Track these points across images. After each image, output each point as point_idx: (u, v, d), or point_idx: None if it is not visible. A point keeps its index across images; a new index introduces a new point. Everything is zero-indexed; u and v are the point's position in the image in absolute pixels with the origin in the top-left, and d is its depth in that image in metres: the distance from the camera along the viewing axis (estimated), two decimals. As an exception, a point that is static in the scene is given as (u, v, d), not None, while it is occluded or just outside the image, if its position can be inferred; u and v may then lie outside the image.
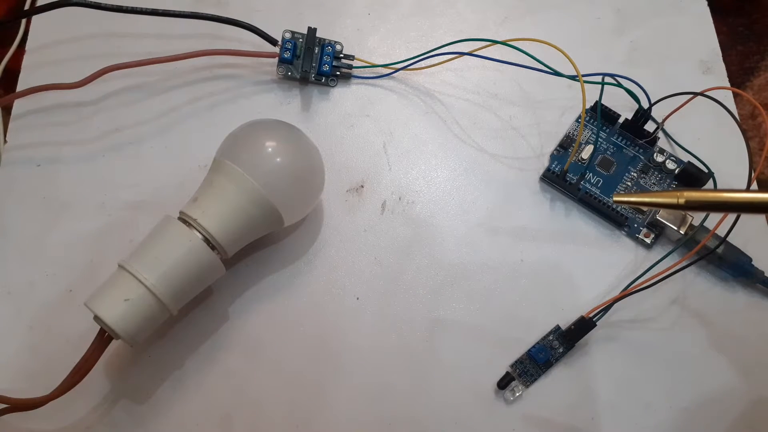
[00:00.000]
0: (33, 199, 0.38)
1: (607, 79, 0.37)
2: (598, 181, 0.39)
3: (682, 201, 0.24)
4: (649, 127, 0.39)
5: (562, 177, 0.39)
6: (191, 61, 0.39)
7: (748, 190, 0.24)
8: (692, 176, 0.38)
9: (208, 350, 0.35)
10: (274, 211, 0.32)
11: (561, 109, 0.41)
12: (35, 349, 0.35)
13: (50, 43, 0.41)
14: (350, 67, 0.41)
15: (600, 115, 0.39)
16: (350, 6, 0.43)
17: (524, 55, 0.38)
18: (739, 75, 0.43)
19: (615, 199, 0.26)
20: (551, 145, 0.40)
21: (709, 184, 0.38)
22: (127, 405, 0.34)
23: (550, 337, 0.35)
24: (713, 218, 0.35)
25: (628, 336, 0.36)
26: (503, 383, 0.35)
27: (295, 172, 0.33)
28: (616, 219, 0.38)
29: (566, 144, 0.40)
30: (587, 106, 0.37)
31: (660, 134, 0.39)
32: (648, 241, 0.38)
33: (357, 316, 0.36)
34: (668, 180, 0.39)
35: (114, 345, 0.32)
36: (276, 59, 0.40)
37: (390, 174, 0.39)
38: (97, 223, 0.37)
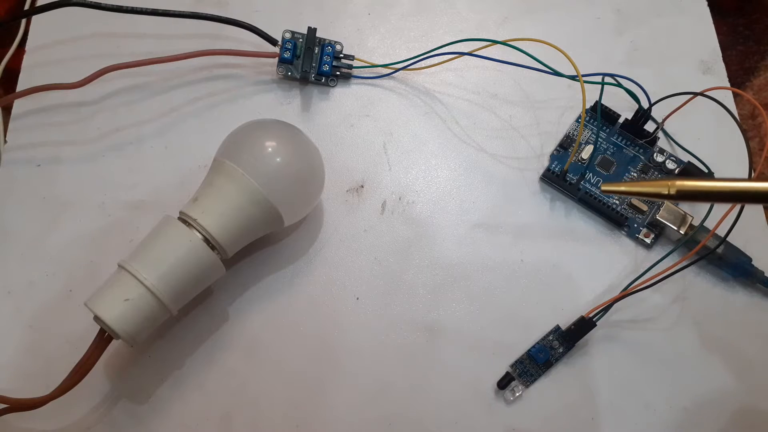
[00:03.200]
0: (33, 199, 0.38)
1: (607, 79, 0.37)
2: (598, 181, 0.39)
3: (673, 191, 0.22)
4: (649, 127, 0.39)
5: (562, 177, 0.39)
6: (191, 61, 0.39)
7: (742, 179, 0.23)
8: (692, 176, 0.38)
9: (208, 350, 0.35)
10: (274, 211, 0.32)
11: (561, 109, 0.41)
12: (35, 349, 0.35)
13: (50, 43, 0.41)
14: (350, 67, 0.41)
15: (600, 115, 0.39)
16: (350, 6, 0.43)
17: (524, 55, 0.38)
18: (739, 75, 0.43)
19: (603, 188, 0.24)
20: (551, 145, 0.40)
21: (709, 184, 0.38)
22: (127, 405, 0.34)
23: (550, 337, 0.35)
24: (713, 218, 0.35)
25: (628, 336, 0.36)
26: (503, 383, 0.35)
27: (295, 172, 0.33)
28: (616, 219, 0.38)
29: (566, 144, 0.40)
30: (587, 106, 0.37)
31: (660, 134, 0.39)
32: (648, 241, 0.38)
33: (357, 316, 0.36)
34: (668, 180, 0.39)
35: (114, 345, 0.32)
36: (276, 59, 0.40)
37: (390, 174, 0.39)
38: (97, 223, 0.37)
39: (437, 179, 0.39)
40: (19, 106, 0.40)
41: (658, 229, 0.38)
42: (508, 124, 0.41)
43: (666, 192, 0.22)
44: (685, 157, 0.39)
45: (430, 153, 0.40)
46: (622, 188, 0.23)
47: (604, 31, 0.44)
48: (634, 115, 0.39)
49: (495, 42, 0.38)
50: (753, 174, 0.35)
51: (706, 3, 0.44)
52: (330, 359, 0.35)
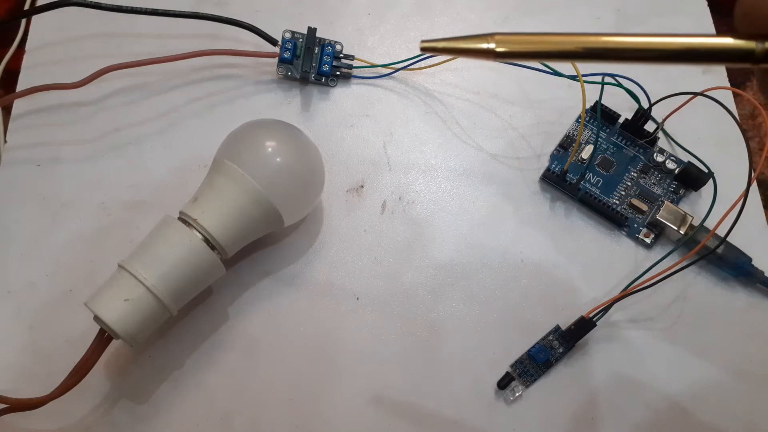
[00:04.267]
0: (33, 199, 0.38)
1: (607, 79, 0.37)
2: (598, 181, 0.39)
3: (492, 46, 0.19)
4: (649, 127, 0.39)
5: (562, 177, 0.39)
6: (191, 61, 0.39)
7: (579, 33, 0.20)
8: (692, 176, 0.38)
9: (208, 350, 0.35)
10: (275, 211, 0.32)
11: (561, 109, 0.41)
12: (35, 349, 0.35)
13: (50, 43, 0.41)
14: (350, 67, 0.41)
15: (600, 115, 0.39)
16: (350, 6, 0.43)
17: (524, 55, 0.38)
18: (739, 75, 0.43)
19: (422, 45, 0.20)
20: (551, 145, 0.40)
21: (709, 185, 0.38)
22: (127, 405, 0.34)
23: (550, 337, 0.35)
24: (713, 218, 0.35)
25: (628, 336, 0.36)
26: (503, 383, 0.35)
27: (295, 172, 0.33)
28: (616, 219, 0.38)
29: (566, 144, 0.40)
30: (587, 106, 0.37)
31: (660, 134, 0.39)
32: (648, 241, 0.38)
33: (357, 316, 0.36)
34: (668, 180, 0.39)
35: (114, 345, 0.32)
36: (276, 59, 0.40)
37: (390, 174, 0.39)
38: (97, 223, 0.37)
39: (437, 179, 0.39)
40: (19, 106, 0.40)
41: (658, 229, 0.38)
42: (508, 124, 0.41)
43: (485, 47, 0.19)
44: (685, 157, 0.39)
45: (430, 153, 0.40)
46: (440, 45, 0.20)
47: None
48: (634, 115, 0.39)
49: (495, 42, 0.38)
50: (753, 174, 0.35)
51: (706, 3, 0.44)
52: (330, 359, 0.35)
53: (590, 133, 0.40)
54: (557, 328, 0.36)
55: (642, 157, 0.39)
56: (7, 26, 0.42)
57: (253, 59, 0.41)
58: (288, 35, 0.40)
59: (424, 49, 0.20)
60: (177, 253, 0.30)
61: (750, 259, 0.37)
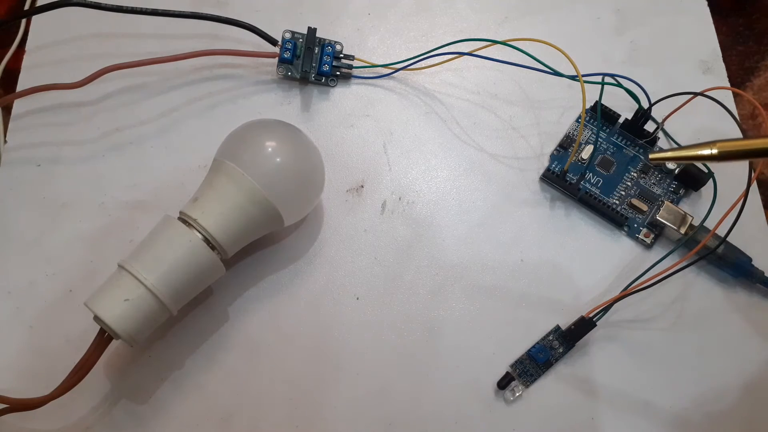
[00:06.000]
0: (33, 199, 0.38)
1: (607, 79, 0.37)
2: (598, 181, 0.39)
3: (714, 151, 0.24)
4: (649, 127, 0.39)
5: (562, 177, 0.39)
6: (191, 61, 0.39)
7: None
8: (692, 176, 0.38)
9: (208, 350, 0.35)
10: (274, 211, 0.32)
11: (561, 109, 0.41)
12: (35, 349, 0.35)
13: (50, 43, 0.41)
14: (350, 67, 0.41)
15: (600, 115, 0.39)
16: (350, 6, 0.43)
17: (524, 55, 0.38)
18: (739, 75, 0.43)
19: (651, 156, 0.26)
20: (551, 145, 0.40)
21: (709, 185, 0.38)
22: (127, 405, 0.34)
23: (550, 337, 0.35)
24: (713, 218, 0.35)
25: (628, 336, 0.36)
26: (503, 383, 0.35)
27: (295, 172, 0.33)
28: (616, 219, 0.38)
29: (566, 144, 0.40)
30: (587, 106, 0.37)
31: (660, 134, 0.39)
32: (648, 241, 0.38)
33: (357, 316, 0.36)
34: (668, 180, 0.39)
35: (114, 345, 0.32)
36: (276, 59, 0.40)
37: (390, 174, 0.39)
38: (97, 223, 0.37)
39: (437, 179, 0.39)
40: (19, 106, 0.40)
41: (658, 229, 0.38)
42: (508, 124, 0.41)
43: (708, 153, 0.24)
44: (685, 157, 0.39)
45: (430, 153, 0.40)
46: (668, 155, 0.25)
47: (604, 31, 0.43)
48: (634, 115, 0.39)
49: (495, 42, 0.38)
50: (753, 174, 0.35)
51: (706, 3, 0.44)
52: (330, 359, 0.35)
53: (590, 133, 0.40)
54: (557, 328, 0.36)
55: (642, 157, 0.39)
56: (7, 26, 0.42)
57: (253, 59, 0.41)
58: (288, 35, 0.40)
59: (653, 159, 0.26)
60: (177, 253, 0.30)
61: (750, 259, 0.37)
